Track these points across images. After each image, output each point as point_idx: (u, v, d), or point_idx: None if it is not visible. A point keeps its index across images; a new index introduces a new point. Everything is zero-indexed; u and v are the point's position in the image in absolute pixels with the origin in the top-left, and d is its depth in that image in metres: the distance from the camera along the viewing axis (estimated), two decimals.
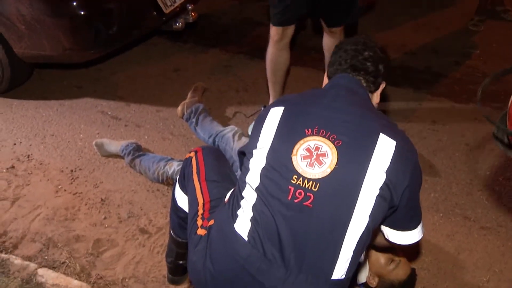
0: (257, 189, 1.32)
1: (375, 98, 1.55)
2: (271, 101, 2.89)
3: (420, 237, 1.50)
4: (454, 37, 3.93)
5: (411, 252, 2.15)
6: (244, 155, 1.46)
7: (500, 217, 2.36)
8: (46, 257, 2.13)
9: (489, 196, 2.47)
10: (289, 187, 1.28)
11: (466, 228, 2.30)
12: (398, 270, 1.84)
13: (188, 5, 3.34)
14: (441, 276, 2.09)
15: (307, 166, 1.28)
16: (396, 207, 1.33)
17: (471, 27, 3.97)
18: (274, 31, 2.61)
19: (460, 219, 2.34)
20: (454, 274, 2.10)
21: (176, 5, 3.21)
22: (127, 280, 2.04)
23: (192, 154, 1.69)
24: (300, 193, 1.27)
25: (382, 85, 1.55)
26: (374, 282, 1.88)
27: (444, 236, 2.26)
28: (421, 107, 3.11)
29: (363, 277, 1.91)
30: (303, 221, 1.27)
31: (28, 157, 2.70)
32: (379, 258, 1.87)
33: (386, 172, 1.27)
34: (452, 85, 3.34)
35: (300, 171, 1.28)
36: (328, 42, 2.73)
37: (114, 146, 2.68)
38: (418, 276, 1.97)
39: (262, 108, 2.93)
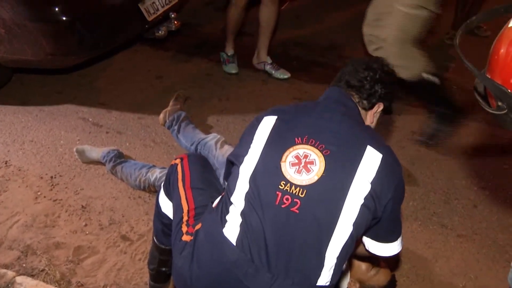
0: (247, 194, 1.34)
1: (369, 117, 1.60)
2: (227, 47, 3.52)
3: (399, 250, 1.53)
4: (431, 50, 4.04)
5: (391, 259, 2.19)
6: (233, 163, 1.48)
7: (475, 225, 2.43)
8: (24, 265, 2.10)
9: (465, 205, 2.54)
10: (277, 192, 1.30)
11: (443, 236, 2.36)
12: (379, 276, 1.88)
13: (171, 13, 3.36)
14: (419, 283, 2.13)
15: (295, 172, 1.31)
16: (378, 218, 1.36)
17: (446, 41, 4.10)
18: None
19: (438, 227, 2.40)
20: (432, 281, 2.15)
21: (159, 12, 3.22)
22: (108, 287, 2.02)
23: (178, 161, 1.69)
24: (287, 199, 1.29)
25: (378, 106, 1.60)
26: None
27: (423, 244, 2.31)
28: (400, 117, 3.18)
29: (344, 284, 1.93)
30: (290, 226, 1.28)
31: (6, 163, 2.65)
32: (360, 264, 1.91)
33: (371, 183, 1.30)
34: None
35: (288, 177, 1.31)
36: (266, 11, 3.26)
37: (95, 152, 2.65)
38: (397, 283, 2.01)
39: None
